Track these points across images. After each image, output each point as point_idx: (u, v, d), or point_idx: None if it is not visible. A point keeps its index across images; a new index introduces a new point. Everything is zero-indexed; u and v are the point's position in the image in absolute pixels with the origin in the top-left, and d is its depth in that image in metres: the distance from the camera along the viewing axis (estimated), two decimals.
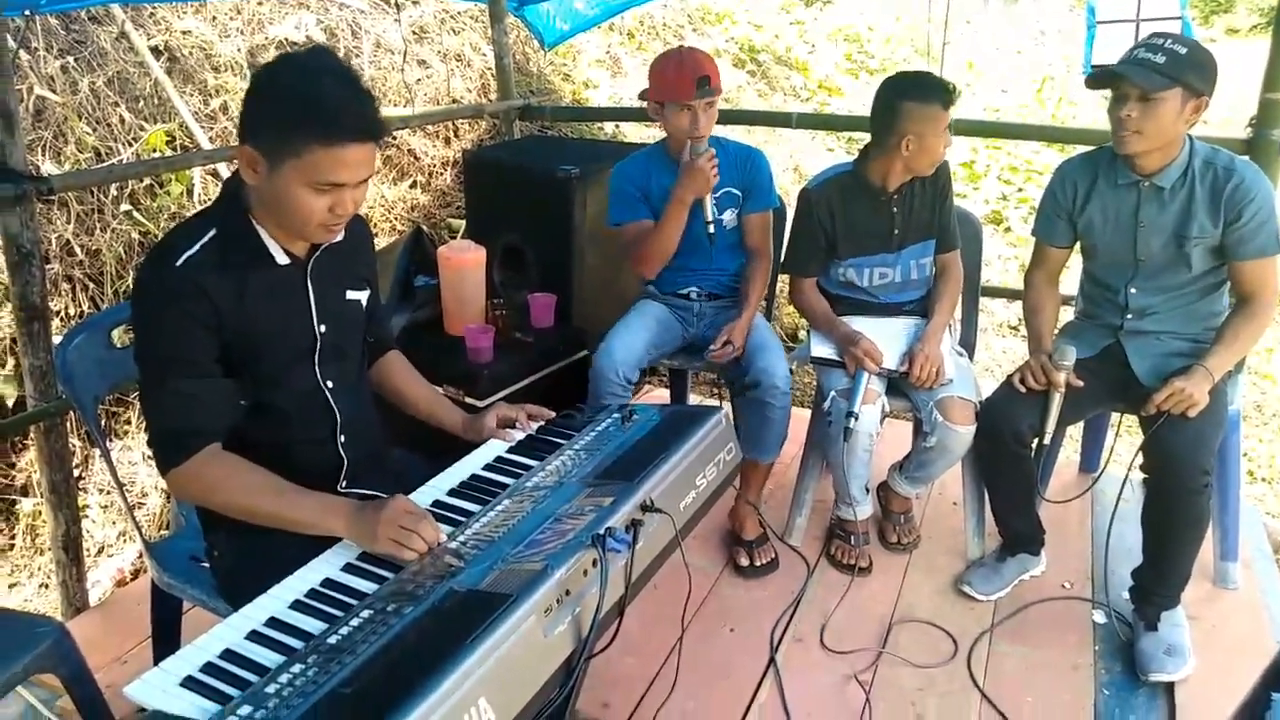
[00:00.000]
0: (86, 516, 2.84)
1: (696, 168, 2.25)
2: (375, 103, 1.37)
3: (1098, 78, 2.02)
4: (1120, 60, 1.98)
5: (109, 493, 2.96)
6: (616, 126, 5.04)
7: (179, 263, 1.36)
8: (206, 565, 1.60)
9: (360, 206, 1.44)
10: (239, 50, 3.96)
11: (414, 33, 4.58)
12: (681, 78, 2.26)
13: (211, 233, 1.40)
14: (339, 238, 1.51)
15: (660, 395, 3.42)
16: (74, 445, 2.84)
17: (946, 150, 2.29)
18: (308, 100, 1.30)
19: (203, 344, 1.38)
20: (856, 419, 2.17)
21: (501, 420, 1.69)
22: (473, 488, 1.54)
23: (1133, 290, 2.14)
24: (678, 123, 2.30)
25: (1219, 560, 2.34)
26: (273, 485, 1.39)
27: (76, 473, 2.87)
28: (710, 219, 2.33)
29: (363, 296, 1.64)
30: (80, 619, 2.24)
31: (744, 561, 2.39)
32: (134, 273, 1.59)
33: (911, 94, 2.22)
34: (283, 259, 1.46)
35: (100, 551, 2.85)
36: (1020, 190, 6.46)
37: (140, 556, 2.70)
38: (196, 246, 1.38)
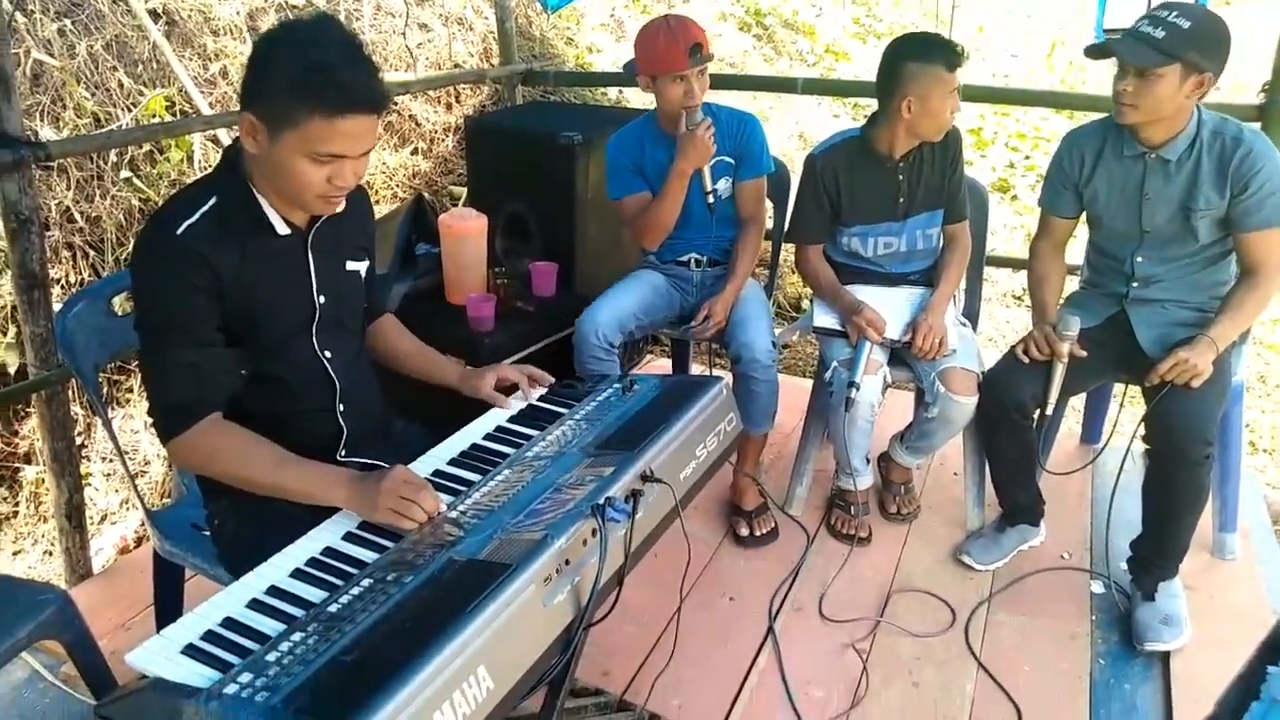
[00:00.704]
0: (89, 484, 2.86)
1: (695, 138, 2.23)
2: (378, 73, 1.36)
3: (1095, 50, 1.99)
4: (1123, 33, 1.94)
5: (112, 460, 2.97)
6: (620, 92, 4.98)
7: (180, 231, 1.35)
8: (208, 534, 1.61)
9: (361, 178, 1.43)
10: (238, 14, 3.91)
11: None
12: (673, 48, 2.22)
13: (212, 201, 1.39)
14: (340, 208, 1.50)
15: (663, 365, 3.42)
16: (76, 413, 2.85)
17: (954, 116, 2.24)
18: (308, 69, 1.28)
19: (204, 313, 1.38)
20: (858, 389, 2.17)
21: (501, 383, 1.68)
22: (473, 457, 1.54)
23: (1139, 259, 2.13)
24: (672, 94, 2.27)
25: (1218, 531, 2.34)
26: (273, 455, 1.39)
27: (79, 440, 2.88)
28: (710, 189, 2.31)
29: (361, 267, 1.63)
30: (84, 586, 2.26)
31: (744, 531, 2.40)
32: (134, 240, 1.57)
33: (914, 54, 2.19)
34: (283, 229, 1.45)
35: (104, 519, 2.86)
36: (1028, 158, 6.40)
37: (144, 524, 2.72)
38: (197, 215, 1.37)
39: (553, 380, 1.76)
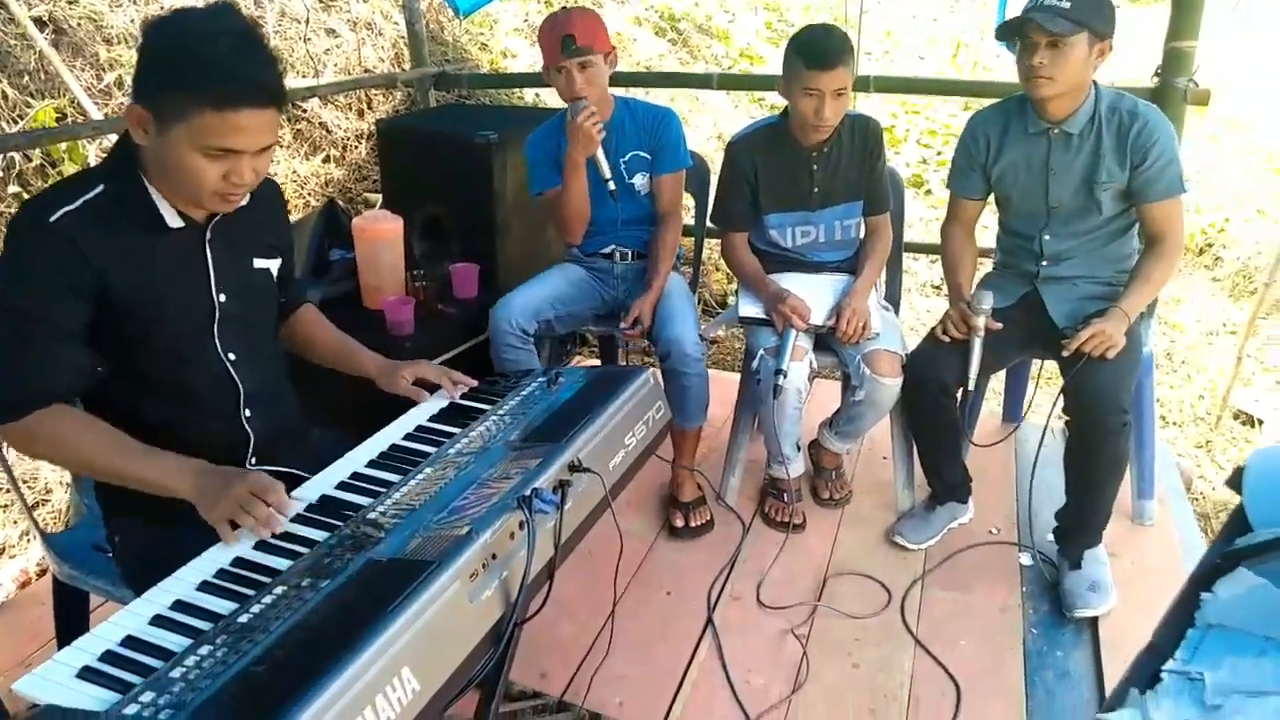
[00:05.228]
0: None
1: (576, 126, 2.22)
2: (276, 65, 1.29)
3: (1007, 25, 2.04)
4: (1027, 8, 2.00)
5: (9, 490, 2.79)
6: (537, 95, 4.93)
7: (54, 218, 1.27)
8: (109, 554, 1.51)
9: (262, 175, 1.36)
10: (132, 21, 3.74)
11: (320, 0, 4.39)
12: (551, 40, 2.23)
13: (98, 189, 1.31)
14: (243, 202, 1.43)
15: (592, 365, 3.39)
16: None
17: (821, 118, 2.17)
18: (198, 60, 1.21)
19: (66, 307, 1.30)
20: (785, 376, 2.17)
21: (420, 381, 1.63)
22: (393, 458, 1.49)
23: (1046, 237, 2.18)
24: (558, 86, 2.28)
25: (1136, 499, 2.41)
26: (117, 441, 1.31)
27: None
28: (607, 177, 2.29)
29: (273, 265, 1.55)
30: None
31: (679, 523, 2.38)
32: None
33: (791, 45, 2.21)
34: (175, 222, 1.37)
35: (1, 553, 2.69)
36: (939, 154, 6.57)
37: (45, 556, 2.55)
38: (78, 202, 1.29)
39: (475, 383, 1.70)
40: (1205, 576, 0.57)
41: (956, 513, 2.38)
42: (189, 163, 1.26)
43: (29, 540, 2.71)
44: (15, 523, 2.74)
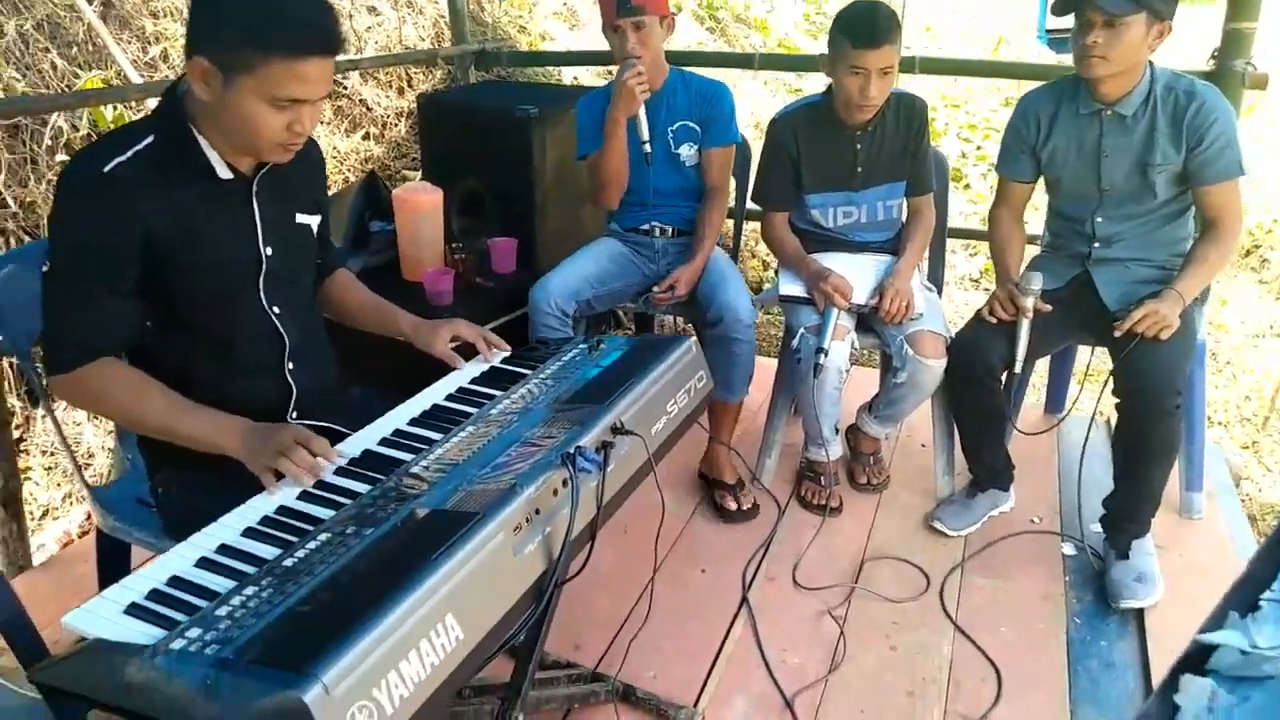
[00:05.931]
0: (29, 479, 2.72)
1: (621, 83, 2.20)
2: (336, 14, 1.30)
3: (1063, 3, 1.98)
4: None
5: (53, 454, 2.83)
6: (575, 77, 4.92)
7: (107, 168, 1.27)
8: (153, 507, 1.52)
9: (316, 126, 1.36)
10: None
11: None
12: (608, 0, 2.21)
13: (149, 140, 1.31)
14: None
15: None
16: (14, 406, 2.71)
17: (866, 97, 2.14)
18: (266, 10, 1.23)
19: (118, 259, 1.30)
20: (826, 355, 2.14)
21: (456, 341, 1.62)
22: (435, 417, 1.48)
23: (1099, 219, 2.13)
24: (613, 46, 2.26)
25: (1184, 491, 2.35)
26: (165, 397, 1.33)
27: (17, 434, 2.74)
28: (645, 139, 2.26)
29: (313, 221, 1.56)
30: (22, 578, 2.12)
31: (730, 505, 2.34)
32: (60, 173, 1.38)
33: (836, 22, 2.17)
34: (225, 173, 1.37)
35: (45, 514, 2.73)
36: (979, 148, 6.49)
37: (89, 518, 2.59)
38: (130, 153, 1.29)
39: (509, 348, 1.69)
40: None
41: (998, 500, 2.34)
42: (255, 114, 1.27)
43: (71, 503, 2.75)
44: (58, 485, 2.78)
